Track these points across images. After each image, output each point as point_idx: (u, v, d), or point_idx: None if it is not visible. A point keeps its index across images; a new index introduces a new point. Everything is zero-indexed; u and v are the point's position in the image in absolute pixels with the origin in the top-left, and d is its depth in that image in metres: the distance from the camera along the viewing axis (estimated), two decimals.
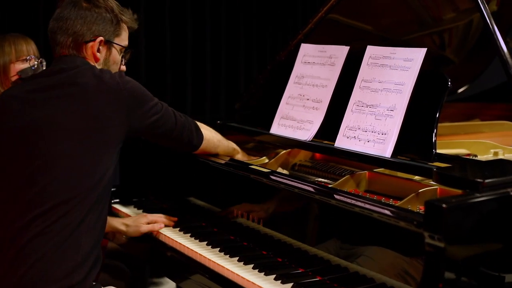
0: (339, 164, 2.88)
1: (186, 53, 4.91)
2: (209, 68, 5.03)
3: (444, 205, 1.88)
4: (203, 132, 2.84)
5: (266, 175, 2.63)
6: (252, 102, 3.51)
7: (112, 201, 3.27)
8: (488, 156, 2.90)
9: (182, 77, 4.92)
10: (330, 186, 2.58)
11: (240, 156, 3.07)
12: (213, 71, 5.06)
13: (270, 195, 2.60)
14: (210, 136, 2.90)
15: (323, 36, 3.21)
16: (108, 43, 2.62)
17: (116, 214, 3.21)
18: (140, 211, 3.19)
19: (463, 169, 2.29)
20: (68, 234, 2.36)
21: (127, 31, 2.70)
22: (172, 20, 4.78)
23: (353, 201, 2.24)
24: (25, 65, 3.27)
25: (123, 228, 2.93)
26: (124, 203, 3.31)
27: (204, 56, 5.00)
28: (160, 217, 2.95)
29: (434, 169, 2.25)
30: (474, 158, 2.84)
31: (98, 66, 2.61)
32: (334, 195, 2.33)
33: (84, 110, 2.42)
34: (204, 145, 2.85)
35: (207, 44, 4.98)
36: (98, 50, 2.60)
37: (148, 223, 2.92)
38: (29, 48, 3.31)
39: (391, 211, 2.12)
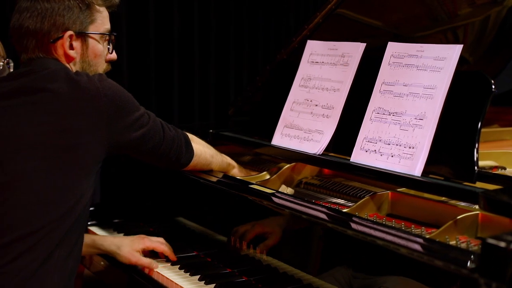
0: (350, 181, 2.50)
1: (172, 52, 4.43)
2: (198, 69, 4.53)
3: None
4: (194, 147, 2.44)
5: (267, 196, 2.24)
6: (247, 107, 3.08)
7: (88, 223, 2.82)
8: None
9: (167, 79, 4.44)
10: (346, 210, 2.16)
11: (237, 171, 2.67)
12: (201, 72, 4.57)
13: (273, 219, 2.22)
14: (202, 151, 2.49)
15: (329, 32, 2.79)
16: (81, 35, 2.18)
17: None
18: (121, 234, 2.75)
19: None
20: (31, 273, 1.97)
21: (104, 12, 2.27)
22: (156, 15, 4.31)
23: (377, 232, 1.84)
24: None
25: (113, 249, 2.46)
26: (102, 225, 2.88)
27: (191, 55, 4.51)
28: (160, 245, 2.48)
29: (480, 192, 1.85)
30: (502, 171, 2.56)
31: (76, 66, 2.20)
32: (355, 225, 1.93)
33: (53, 121, 2.00)
34: (194, 162, 2.44)
35: (195, 42, 4.50)
36: (71, 47, 2.17)
37: (145, 249, 2.47)
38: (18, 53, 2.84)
39: (429, 248, 1.73)
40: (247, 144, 2.80)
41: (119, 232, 2.78)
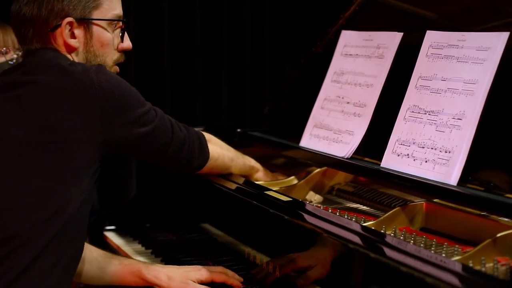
0: (387, 188, 2.20)
1: (194, 40, 4.03)
2: (227, 62, 4.10)
3: None
4: (210, 150, 2.19)
5: (280, 205, 2.00)
6: (284, 105, 2.82)
7: (106, 228, 2.63)
8: None
9: (190, 73, 4.01)
10: (372, 222, 1.91)
11: (261, 175, 2.41)
12: (232, 65, 4.12)
13: (290, 235, 1.96)
14: (219, 154, 2.24)
15: (369, 23, 2.50)
16: (84, 22, 1.95)
17: (108, 245, 2.55)
18: (136, 242, 2.52)
19: None
20: (5, 286, 1.76)
21: None
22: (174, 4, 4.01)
23: (400, 257, 1.56)
24: (1, 59, 2.65)
25: (164, 280, 2.09)
26: (120, 231, 2.65)
27: (219, 45, 4.08)
28: (221, 275, 2.10)
29: None
30: None
31: (79, 57, 1.98)
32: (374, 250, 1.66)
33: (38, 117, 1.80)
34: (209, 166, 2.18)
35: (223, 36, 4.08)
36: (73, 36, 1.95)
37: (203, 281, 2.10)
38: (6, 38, 2.70)
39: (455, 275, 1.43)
40: (275, 146, 2.56)
41: (135, 239, 2.57)
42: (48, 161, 1.80)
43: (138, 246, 2.51)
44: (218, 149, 2.24)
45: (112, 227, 2.70)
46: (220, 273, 2.08)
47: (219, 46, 4.04)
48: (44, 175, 1.80)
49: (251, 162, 2.39)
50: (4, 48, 2.67)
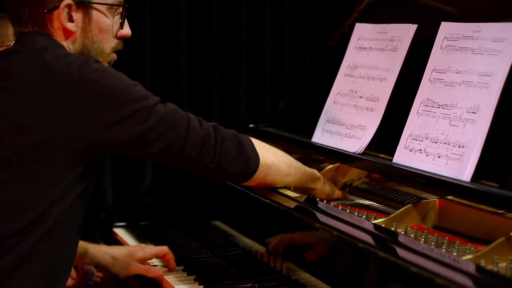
0: (402, 186, 2.14)
1: (212, 34, 3.92)
2: (245, 56, 3.98)
3: None
4: (260, 153, 1.90)
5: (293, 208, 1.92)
6: (299, 100, 2.75)
7: (116, 224, 2.58)
8: None
9: (207, 68, 3.92)
10: (382, 219, 1.84)
11: (328, 187, 2.14)
12: (250, 59, 4.01)
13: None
14: (272, 159, 1.95)
15: (384, 15, 2.43)
16: (83, 6, 1.84)
17: (116, 242, 2.51)
18: (145, 239, 2.49)
19: None
20: None
21: None
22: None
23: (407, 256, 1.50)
24: None
25: (108, 260, 2.20)
26: (130, 227, 2.61)
27: (237, 39, 3.96)
28: (162, 251, 2.19)
29: None
30: None
31: (76, 43, 1.86)
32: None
33: (14, 114, 1.70)
34: (260, 174, 1.91)
35: (242, 31, 3.97)
36: (71, 19, 1.83)
37: (145, 260, 2.19)
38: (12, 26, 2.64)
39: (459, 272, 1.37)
40: (287, 141, 2.49)
41: (144, 235, 2.52)
42: (25, 163, 1.69)
43: (147, 243, 2.46)
44: (271, 155, 1.95)
45: (122, 223, 2.65)
46: (162, 252, 2.17)
47: (237, 40, 3.94)
48: (21, 178, 1.70)
49: (312, 169, 2.10)
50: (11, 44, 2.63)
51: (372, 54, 2.27)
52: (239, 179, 1.91)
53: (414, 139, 1.98)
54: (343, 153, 2.19)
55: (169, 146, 1.78)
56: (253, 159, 1.88)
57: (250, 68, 3.98)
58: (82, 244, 2.18)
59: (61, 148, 1.69)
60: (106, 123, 1.71)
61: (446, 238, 1.75)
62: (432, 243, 1.71)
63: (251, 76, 3.98)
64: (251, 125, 2.67)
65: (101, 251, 2.22)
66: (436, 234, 1.77)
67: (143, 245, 2.26)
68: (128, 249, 2.24)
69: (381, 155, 2.14)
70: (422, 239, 1.73)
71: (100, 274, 2.51)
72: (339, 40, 2.56)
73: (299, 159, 2.45)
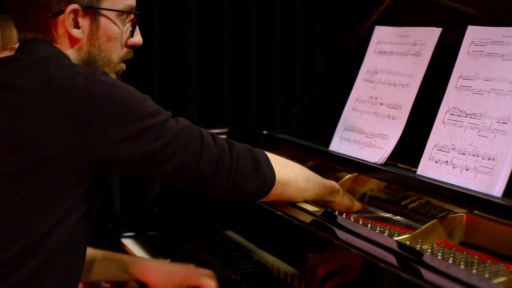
0: (423, 196, 2.03)
1: (222, 38, 3.81)
2: (256, 61, 3.85)
3: None
4: (276, 169, 1.80)
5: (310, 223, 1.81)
6: (314, 105, 2.65)
7: (124, 235, 2.49)
8: None
9: (217, 73, 3.79)
10: (407, 235, 1.75)
11: (347, 200, 2.04)
12: (261, 64, 3.87)
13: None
14: (289, 174, 1.85)
15: (405, 18, 2.33)
16: (91, 11, 1.72)
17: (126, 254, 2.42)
18: (155, 250, 2.40)
19: None
20: None
21: None
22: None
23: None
24: None
25: (152, 277, 2.03)
26: (139, 238, 2.52)
27: (248, 43, 3.84)
28: (208, 282, 2.01)
29: None
30: None
31: (82, 51, 1.74)
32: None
33: (14, 129, 1.59)
34: (277, 190, 1.81)
35: (253, 33, 3.85)
36: (77, 25, 1.71)
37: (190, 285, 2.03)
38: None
39: None
40: (302, 149, 2.39)
41: (153, 247, 2.43)
42: (25, 182, 1.58)
43: (156, 255, 2.36)
44: (287, 170, 1.85)
45: (131, 234, 2.56)
46: (208, 280, 2.00)
47: (248, 44, 3.84)
48: (20, 198, 1.58)
49: (330, 181, 2.00)
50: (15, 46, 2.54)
51: (393, 59, 2.17)
52: (254, 198, 1.82)
53: (439, 150, 1.88)
54: (363, 163, 2.08)
55: (182, 165, 1.67)
56: (269, 176, 1.77)
57: (261, 71, 3.87)
58: (118, 256, 2.10)
59: (63, 166, 1.58)
60: (113, 140, 1.60)
61: (476, 256, 1.64)
62: (462, 262, 1.61)
63: (261, 79, 3.88)
64: (264, 132, 2.57)
65: (142, 265, 2.08)
66: (465, 252, 1.68)
67: (189, 266, 2.07)
68: (172, 268, 2.08)
69: (402, 165, 2.04)
70: (451, 258, 1.63)
71: (108, 286, 2.43)
72: (357, 43, 2.46)
73: (315, 167, 2.36)
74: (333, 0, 4.02)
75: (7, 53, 2.52)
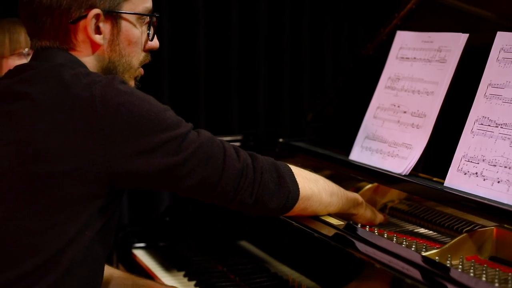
0: (446, 207, 1.97)
1: (230, 44, 3.73)
2: (264, 67, 3.79)
3: None
4: (300, 184, 1.73)
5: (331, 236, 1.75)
6: (329, 112, 2.58)
7: (135, 246, 2.42)
8: None
9: (225, 78, 3.72)
10: (435, 251, 1.66)
11: (369, 213, 1.97)
12: (270, 70, 3.82)
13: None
14: (313, 189, 1.78)
15: (425, 22, 2.26)
16: (112, 16, 1.66)
17: (136, 265, 2.35)
18: (167, 262, 2.34)
19: None
20: None
21: None
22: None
23: None
24: (22, 61, 2.44)
25: None
26: (150, 248, 2.45)
27: (256, 48, 3.78)
28: None
29: None
30: None
31: (103, 57, 1.67)
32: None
33: (26, 140, 1.52)
34: (300, 205, 1.75)
35: (260, 36, 3.79)
36: (98, 31, 1.64)
37: None
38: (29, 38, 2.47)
39: None
40: (321, 158, 2.32)
41: (165, 259, 2.36)
42: (35, 196, 1.51)
43: (170, 267, 2.29)
44: (311, 184, 1.78)
45: (142, 244, 2.48)
46: None
47: (256, 49, 3.78)
48: (32, 212, 1.51)
49: (354, 194, 1.94)
50: (26, 49, 2.47)
51: (416, 65, 2.11)
52: (277, 213, 1.75)
53: (468, 161, 1.81)
54: (388, 174, 2.01)
55: (203, 180, 1.60)
56: (293, 191, 1.71)
57: (270, 76, 3.82)
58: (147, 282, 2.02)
59: (77, 179, 1.51)
60: (131, 153, 1.52)
61: (510, 273, 1.58)
62: (496, 279, 1.54)
63: (270, 85, 3.82)
64: (280, 140, 2.50)
65: None
66: (497, 269, 1.60)
67: None
68: None
69: (424, 175, 1.97)
70: (484, 276, 1.56)
71: None
72: (376, 49, 2.39)
73: (333, 177, 2.28)
74: (343, 4, 3.97)
75: (15, 59, 2.48)
